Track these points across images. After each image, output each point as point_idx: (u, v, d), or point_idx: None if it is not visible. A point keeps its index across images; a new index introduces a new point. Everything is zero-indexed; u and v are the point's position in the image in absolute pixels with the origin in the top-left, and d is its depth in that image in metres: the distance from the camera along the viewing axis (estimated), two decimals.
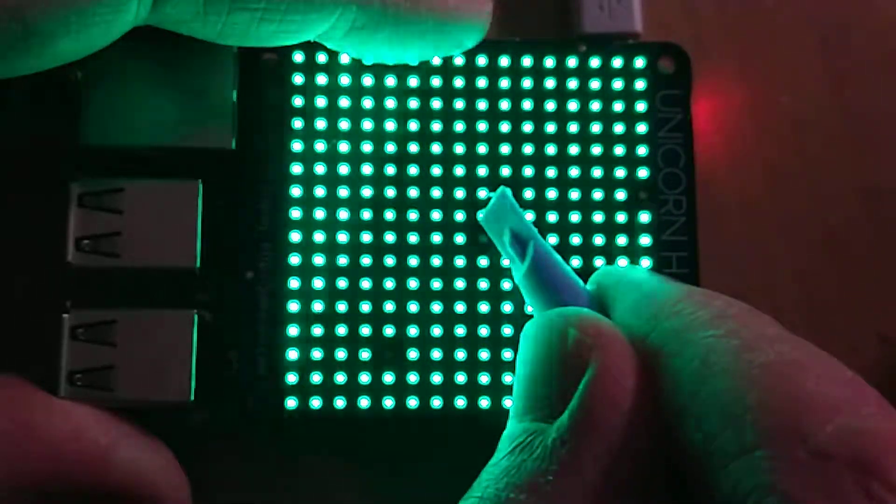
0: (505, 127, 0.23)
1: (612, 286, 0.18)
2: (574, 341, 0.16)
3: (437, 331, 0.22)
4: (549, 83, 0.23)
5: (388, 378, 0.22)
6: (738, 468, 0.14)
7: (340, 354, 0.22)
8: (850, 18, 0.26)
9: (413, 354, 0.22)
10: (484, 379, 0.22)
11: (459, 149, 0.23)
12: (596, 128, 0.23)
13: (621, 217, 0.23)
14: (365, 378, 0.22)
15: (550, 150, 0.23)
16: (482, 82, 0.23)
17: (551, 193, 0.23)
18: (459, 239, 0.23)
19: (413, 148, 0.23)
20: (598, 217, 0.23)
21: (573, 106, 0.23)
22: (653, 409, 0.16)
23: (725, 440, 0.14)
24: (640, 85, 0.23)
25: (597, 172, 0.23)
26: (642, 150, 0.23)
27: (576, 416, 0.16)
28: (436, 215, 0.23)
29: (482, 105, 0.23)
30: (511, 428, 0.17)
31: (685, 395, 0.15)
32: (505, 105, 0.23)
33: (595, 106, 0.23)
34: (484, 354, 0.22)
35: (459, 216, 0.23)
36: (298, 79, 0.23)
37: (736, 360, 0.15)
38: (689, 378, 0.15)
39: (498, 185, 0.23)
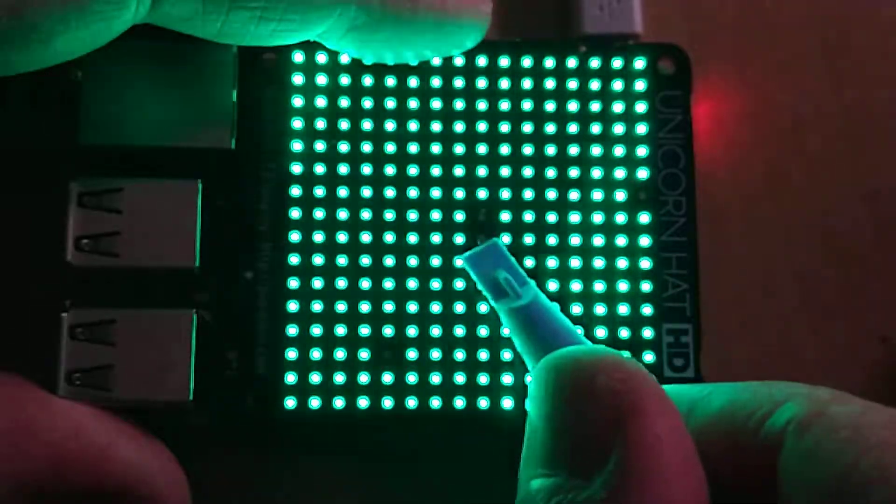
0: (505, 127, 0.23)
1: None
2: (605, 387, 0.16)
3: (436, 331, 0.22)
4: (549, 84, 0.23)
5: (388, 378, 0.22)
6: None
7: (339, 354, 0.22)
8: (851, 18, 0.26)
9: (412, 355, 0.22)
10: (483, 379, 0.22)
11: (459, 149, 0.23)
12: (596, 128, 0.23)
13: (621, 218, 0.23)
14: (364, 378, 0.22)
15: (550, 150, 0.23)
16: (482, 83, 0.23)
17: (551, 194, 0.23)
18: (459, 239, 0.23)
19: (413, 148, 0.23)
20: (597, 218, 0.23)
21: (573, 106, 0.23)
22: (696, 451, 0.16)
23: None
24: (640, 86, 0.23)
25: (596, 173, 0.23)
26: (642, 151, 0.23)
27: (623, 470, 0.15)
28: (435, 215, 0.23)
29: (482, 105, 0.23)
30: (539, 483, 0.16)
31: (837, 466, 0.15)
32: (505, 105, 0.23)
33: (595, 107, 0.23)
34: (483, 355, 0.22)
35: (459, 216, 0.23)
36: (298, 79, 0.23)
37: (892, 432, 0.15)
38: (838, 449, 0.15)
39: (498, 185, 0.23)
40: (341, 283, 0.22)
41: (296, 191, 0.23)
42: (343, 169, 0.23)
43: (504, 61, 0.23)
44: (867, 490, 0.14)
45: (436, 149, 0.23)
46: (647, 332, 0.23)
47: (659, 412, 0.16)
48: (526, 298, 0.19)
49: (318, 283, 0.22)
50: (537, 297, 0.19)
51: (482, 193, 0.23)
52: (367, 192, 0.23)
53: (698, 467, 0.16)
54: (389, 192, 0.23)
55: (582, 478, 0.15)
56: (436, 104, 0.23)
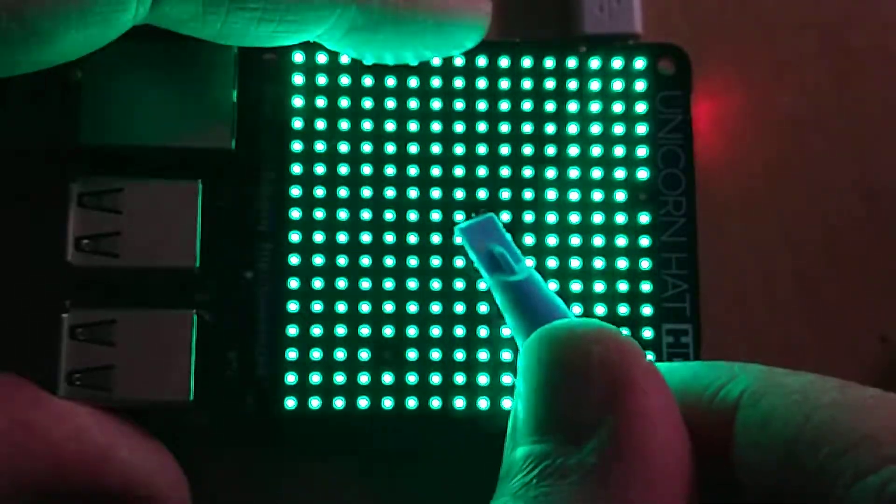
0: (505, 128, 0.23)
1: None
2: (599, 357, 0.16)
3: (436, 331, 0.22)
4: (549, 84, 0.23)
5: (387, 378, 0.22)
6: (873, 483, 0.14)
7: (339, 355, 0.22)
8: (850, 18, 0.26)
9: (412, 355, 0.22)
10: (483, 380, 0.22)
11: (459, 149, 0.23)
12: (596, 129, 0.23)
13: (621, 218, 0.23)
14: (364, 378, 0.22)
15: (550, 150, 0.23)
16: (482, 83, 0.23)
17: (551, 194, 0.23)
18: (459, 239, 0.23)
19: (413, 148, 0.23)
20: (597, 218, 0.23)
21: (573, 107, 0.23)
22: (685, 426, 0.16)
23: (850, 461, 0.14)
24: (640, 86, 0.23)
25: (596, 173, 0.23)
26: (642, 152, 0.23)
27: (615, 437, 0.15)
28: (435, 216, 0.23)
29: (482, 106, 0.23)
30: (526, 449, 0.16)
31: (790, 426, 0.15)
32: (505, 106, 0.23)
33: (595, 107, 0.23)
34: (483, 355, 0.22)
35: (459, 217, 0.23)
36: (298, 79, 0.23)
37: (842, 394, 0.15)
38: (789, 412, 0.15)
39: (498, 185, 0.23)
40: (341, 284, 0.22)
41: (296, 191, 0.23)
42: (343, 169, 0.23)
43: (504, 61, 0.23)
44: (819, 444, 0.15)
45: (436, 149, 0.23)
46: (647, 333, 0.23)
47: (652, 386, 0.16)
48: (521, 274, 0.19)
49: (318, 283, 0.22)
50: (532, 273, 0.19)
51: (482, 193, 0.23)
52: (367, 192, 0.23)
53: (687, 440, 0.16)
54: (389, 193, 0.23)
55: (572, 444, 0.16)
56: (436, 104, 0.23)
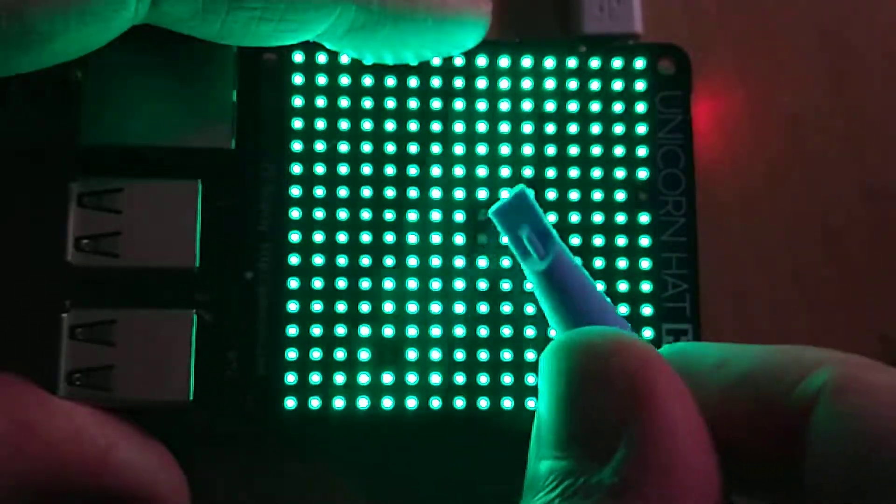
0: (505, 128, 0.23)
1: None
2: (619, 371, 0.16)
3: (436, 331, 0.22)
4: (549, 84, 0.23)
5: (388, 379, 0.22)
6: None
7: (339, 355, 0.22)
8: (850, 18, 0.26)
9: (412, 355, 0.22)
10: (483, 380, 0.22)
11: (459, 149, 0.23)
12: (596, 129, 0.23)
13: (621, 218, 0.23)
14: (364, 378, 0.22)
15: (550, 150, 0.23)
16: (482, 83, 0.23)
17: (551, 194, 0.23)
18: (459, 239, 0.23)
19: (413, 148, 0.23)
20: (597, 218, 0.23)
21: (573, 107, 0.23)
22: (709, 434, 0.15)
23: None
24: (640, 86, 0.23)
25: (596, 173, 0.23)
26: (642, 151, 0.23)
27: (636, 455, 0.15)
28: (435, 216, 0.23)
29: (482, 106, 0.23)
30: (549, 464, 0.16)
31: (877, 428, 0.14)
32: (505, 106, 0.23)
33: (595, 107, 0.23)
34: (483, 355, 0.22)
35: (459, 217, 0.23)
36: (298, 79, 0.23)
37: None
38: (877, 411, 0.14)
39: (498, 186, 0.23)
40: (341, 283, 0.22)
41: (296, 191, 0.23)
42: (343, 169, 0.23)
43: (504, 61, 0.23)
44: None
45: (436, 149, 0.23)
46: (647, 333, 0.23)
47: (673, 397, 0.15)
48: (547, 260, 0.18)
49: (318, 283, 0.22)
50: (560, 257, 0.18)
51: (482, 193, 0.23)
52: (366, 192, 0.23)
53: (711, 453, 0.15)
54: (389, 193, 0.23)
55: (594, 461, 0.15)
56: (436, 104, 0.23)
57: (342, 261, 0.22)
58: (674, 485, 0.15)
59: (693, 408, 0.16)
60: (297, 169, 0.23)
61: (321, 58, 0.23)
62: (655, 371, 0.16)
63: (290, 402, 0.22)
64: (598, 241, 0.23)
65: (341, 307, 0.22)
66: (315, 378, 0.22)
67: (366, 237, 0.23)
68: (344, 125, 0.23)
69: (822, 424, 0.15)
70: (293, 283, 0.22)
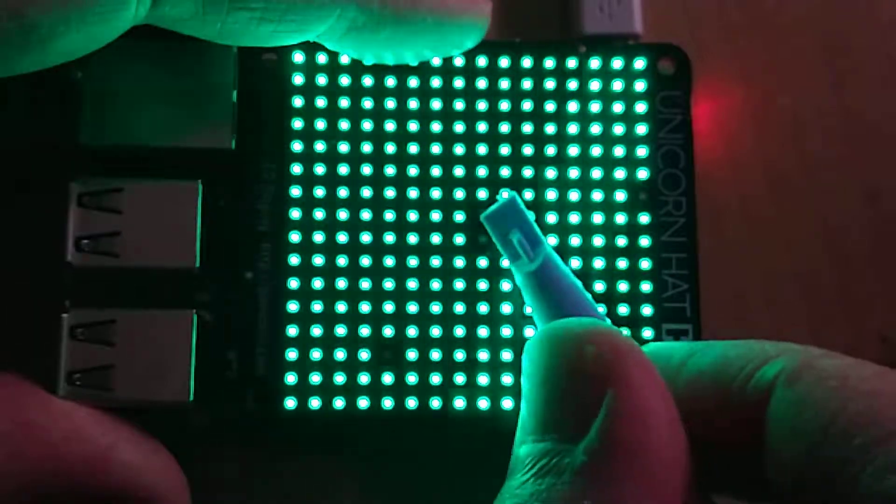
0: (505, 128, 0.23)
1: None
2: (593, 357, 0.16)
3: (436, 331, 0.22)
4: (549, 84, 0.23)
5: (388, 379, 0.22)
6: None
7: (339, 355, 0.22)
8: (851, 19, 0.26)
9: (412, 355, 0.22)
10: (483, 380, 0.22)
11: (459, 149, 0.23)
12: (596, 129, 0.23)
13: (621, 218, 0.23)
14: (364, 378, 0.22)
15: (550, 150, 0.23)
16: (482, 83, 0.23)
17: (551, 194, 0.23)
18: (459, 240, 0.23)
19: (413, 148, 0.23)
20: (597, 218, 0.23)
21: (573, 107, 0.23)
22: (679, 422, 0.16)
23: (883, 452, 0.14)
24: (640, 86, 0.23)
25: (596, 173, 0.23)
26: (642, 152, 0.23)
27: (605, 436, 0.15)
28: (435, 216, 0.23)
29: (482, 106, 0.23)
30: (527, 448, 0.16)
31: (825, 413, 0.15)
32: (505, 106, 0.23)
33: (595, 107, 0.23)
34: (483, 355, 0.22)
35: (459, 217, 0.23)
36: (298, 79, 0.23)
37: (882, 382, 0.15)
38: (825, 398, 0.15)
39: (498, 186, 0.23)
40: (341, 284, 0.22)
41: (296, 191, 0.23)
42: (343, 169, 0.23)
43: (504, 61, 0.23)
44: (853, 432, 0.14)
45: (436, 149, 0.23)
46: (647, 333, 0.23)
47: (644, 382, 0.16)
48: (536, 262, 0.19)
49: (318, 284, 0.22)
50: (548, 260, 0.19)
51: (482, 193, 0.23)
52: (367, 192, 0.23)
53: (681, 437, 0.16)
54: (389, 193, 0.23)
55: (568, 443, 0.16)
56: (436, 104, 0.23)
57: (342, 261, 0.22)
58: (642, 465, 0.15)
59: (665, 392, 0.16)
60: (297, 169, 0.23)
61: (321, 58, 0.23)
62: (628, 357, 0.16)
63: (290, 402, 0.22)
64: (598, 241, 0.23)
65: (341, 307, 0.22)
66: (315, 378, 0.22)
67: (366, 237, 0.23)
68: (344, 125, 0.23)
69: (776, 411, 0.16)
70: (293, 284, 0.22)
